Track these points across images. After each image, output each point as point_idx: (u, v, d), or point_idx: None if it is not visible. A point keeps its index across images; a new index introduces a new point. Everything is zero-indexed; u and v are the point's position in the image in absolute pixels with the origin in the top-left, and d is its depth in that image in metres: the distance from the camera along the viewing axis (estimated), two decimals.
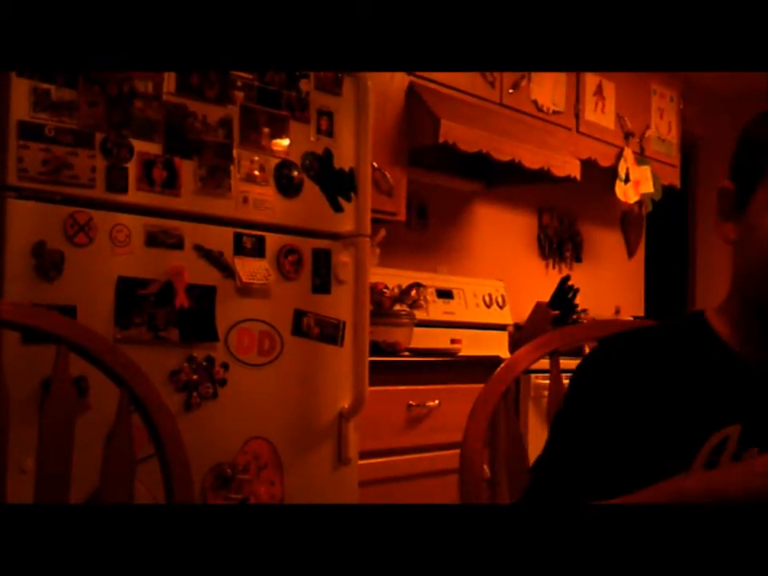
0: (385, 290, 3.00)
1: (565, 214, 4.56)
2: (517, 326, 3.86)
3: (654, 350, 0.99)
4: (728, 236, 0.98)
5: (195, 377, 2.05)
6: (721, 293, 1.03)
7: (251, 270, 2.15)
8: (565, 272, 4.38)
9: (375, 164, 2.80)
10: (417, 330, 3.04)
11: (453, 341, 3.31)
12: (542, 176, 3.62)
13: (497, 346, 3.67)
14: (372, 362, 2.39)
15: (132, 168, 1.96)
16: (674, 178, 4.67)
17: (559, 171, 3.62)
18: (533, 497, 0.96)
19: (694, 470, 0.91)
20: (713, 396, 0.96)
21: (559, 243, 4.52)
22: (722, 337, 0.99)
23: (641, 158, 4.36)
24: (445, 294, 3.57)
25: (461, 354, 3.17)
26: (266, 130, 2.20)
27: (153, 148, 1.99)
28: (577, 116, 3.97)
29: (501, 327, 3.78)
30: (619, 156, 4.22)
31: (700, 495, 0.80)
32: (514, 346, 3.57)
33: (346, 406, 2.33)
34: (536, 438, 2.96)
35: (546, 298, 3.75)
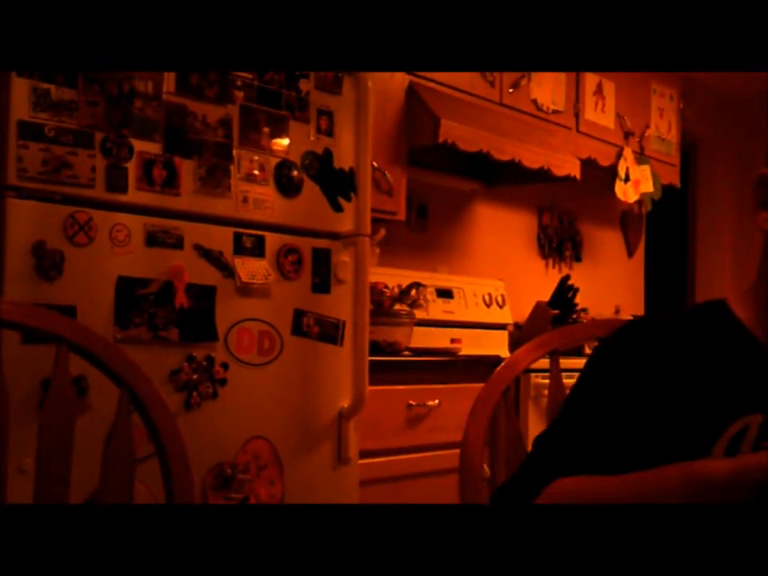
0: (385, 290, 3.00)
1: (565, 214, 4.56)
2: (517, 326, 3.86)
3: (675, 337, 0.98)
4: (762, 225, 0.96)
5: (195, 376, 2.05)
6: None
7: (251, 269, 2.15)
8: (565, 271, 4.38)
9: (375, 164, 2.80)
10: (417, 329, 3.04)
11: (453, 340, 3.32)
12: (542, 175, 3.62)
13: (497, 345, 3.68)
14: (372, 362, 2.39)
15: (132, 168, 1.96)
16: (673, 178, 4.67)
17: (559, 171, 3.62)
18: (525, 472, 0.96)
19: (713, 458, 0.89)
20: (734, 384, 0.94)
21: (559, 243, 4.52)
22: (746, 325, 0.98)
23: (641, 157, 4.36)
24: (445, 294, 3.58)
25: (461, 353, 3.17)
26: (266, 129, 2.20)
27: (153, 148, 1.99)
28: (577, 115, 3.97)
29: (501, 327, 3.79)
30: (619, 155, 4.22)
31: (682, 484, 0.78)
32: (513, 345, 3.57)
33: (346, 406, 2.33)
34: None
35: (545, 297, 3.75)
